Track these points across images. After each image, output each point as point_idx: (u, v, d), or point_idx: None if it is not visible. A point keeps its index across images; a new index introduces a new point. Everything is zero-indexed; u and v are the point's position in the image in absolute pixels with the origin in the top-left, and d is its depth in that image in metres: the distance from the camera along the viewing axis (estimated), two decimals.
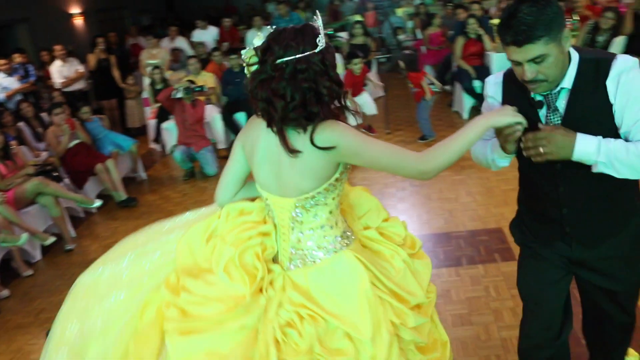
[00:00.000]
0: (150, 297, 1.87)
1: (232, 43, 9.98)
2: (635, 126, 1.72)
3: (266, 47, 1.76)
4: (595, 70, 1.75)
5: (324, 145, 1.71)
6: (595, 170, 1.75)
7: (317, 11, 1.91)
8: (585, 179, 1.84)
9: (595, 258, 1.98)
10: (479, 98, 7.44)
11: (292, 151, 1.74)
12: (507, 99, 1.91)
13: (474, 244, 4.22)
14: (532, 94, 1.82)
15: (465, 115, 7.64)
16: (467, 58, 7.47)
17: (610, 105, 1.74)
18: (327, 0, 14.96)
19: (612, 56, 1.75)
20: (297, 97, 1.71)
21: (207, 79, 7.42)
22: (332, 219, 1.88)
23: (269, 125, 1.79)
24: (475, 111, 7.60)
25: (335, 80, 1.77)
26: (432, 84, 6.71)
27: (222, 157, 7.19)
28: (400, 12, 12.14)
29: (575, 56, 1.78)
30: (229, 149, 7.51)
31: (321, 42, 1.73)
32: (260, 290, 1.83)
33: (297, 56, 1.70)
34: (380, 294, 1.82)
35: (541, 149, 1.74)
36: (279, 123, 1.75)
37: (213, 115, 7.31)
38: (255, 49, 1.81)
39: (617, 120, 1.75)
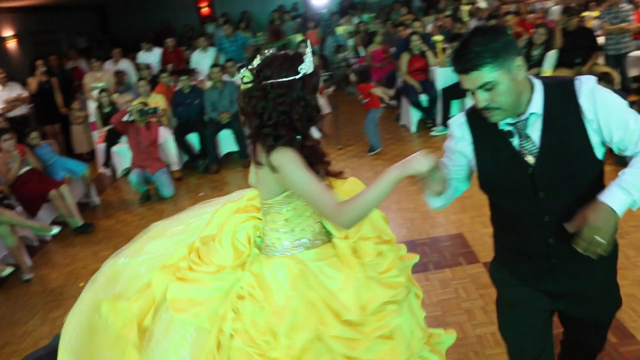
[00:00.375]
0: (178, 250, 2.27)
1: (178, 64, 9.95)
2: (627, 135, 1.74)
3: (259, 69, 1.95)
4: (561, 93, 1.78)
5: (273, 165, 1.90)
6: (636, 208, 1.72)
7: (308, 40, 2.07)
8: (569, 205, 1.80)
9: (578, 288, 1.95)
10: (426, 111, 7.75)
11: (257, 162, 1.97)
12: (476, 136, 1.91)
13: (438, 249, 4.41)
14: (500, 126, 1.83)
15: (413, 128, 7.92)
16: (413, 73, 7.77)
17: (584, 125, 1.75)
18: (267, 20, 15.16)
19: (572, 78, 1.80)
20: (272, 117, 1.91)
21: (158, 101, 7.38)
22: (287, 226, 2.07)
23: (248, 137, 2.05)
24: (423, 124, 7.91)
25: (313, 106, 1.96)
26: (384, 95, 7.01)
27: (176, 178, 7.15)
28: (340, 30, 12.46)
29: (538, 82, 1.81)
30: (182, 170, 7.49)
31: (303, 69, 1.91)
32: (243, 265, 2.14)
33: (278, 80, 1.89)
34: (314, 300, 2.02)
35: (599, 239, 1.67)
36: (253, 137, 1.98)
37: (165, 137, 7.27)
38: (251, 69, 1.98)
39: (606, 135, 1.76)
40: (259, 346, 1.97)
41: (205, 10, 16.72)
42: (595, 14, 7.98)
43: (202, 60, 9.69)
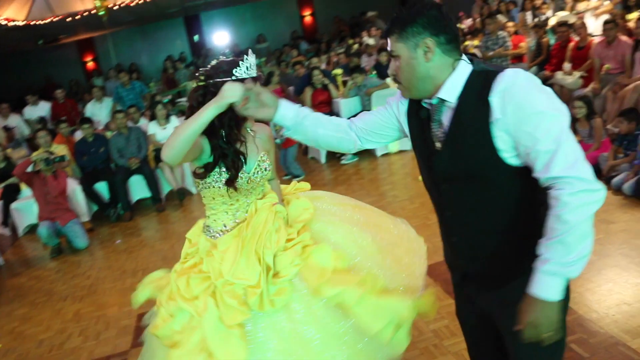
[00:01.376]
0: None
1: (75, 115, 9.59)
2: (538, 154, 1.51)
3: (208, 69, 2.13)
4: (482, 83, 1.59)
5: None
6: (575, 277, 1.54)
7: (250, 49, 2.20)
8: (471, 205, 1.70)
9: (496, 310, 1.77)
10: None
11: None
12: (410, 109, 1.86)
13: None
14: (422, 102, 1.77)
15: (323, 159, 8.14)
16: (317, 106, 8.04)
17: (489, 124, 1.57)
18: (156, 71, 15.06)
19: (502, 69, 1.60)
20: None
21: (60, 151, 7.04)
22: (206, 211, 2.25)
23: None
24: (332, 154, 8.15)
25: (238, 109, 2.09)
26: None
27: (88, 230, 6.79)
28: None
29: (465, 69, 1.65)
30: (92, 221, 7.14)
31: (237, 72, 2.05)
32: None
33: (215, 80, 2.05)
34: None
35: (543, 335, 1.58)
36: None
37: (73, 187, 6.91)
38: (204, 70, 2.15)
39: (514, 141, 1.56)
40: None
41: (90, 64, 16.28)
42: (476, 42, 8.76)
43: (97, 111, 9.43)
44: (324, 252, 2.08)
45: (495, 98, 1.54)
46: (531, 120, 1.50)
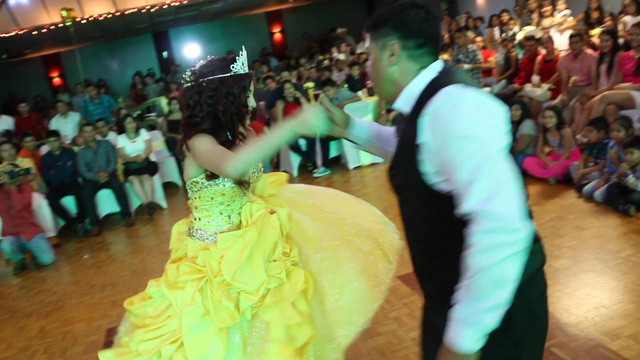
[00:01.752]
0: None
1: (42, 129, 9.36)
2: (457, 184, 1.34)
3: (198, 69, 2.10)
4: (426, 98, 1.45)
5: (189, 146, 2.02)
6: (496, 324, 1.30)
7: (243, 46, 2.18)
8: (409, 223, 1.64)
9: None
10: (305, 155, 7.98)
11: (180, 153, 2.10)
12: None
13: None
14: None
15: (295, 173, 8.08)
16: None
17: (414, 145, 1.44)
18: (123, 87, 14.89)
19: (447, 84, 1.43)
20: (202, 110, 2.04)
21: (26, 164, 6.82)
22: (197, 214, 2.17)
23: (181, 129, 2.16)
24: (303, 168, 8.11)
25: (241, 102, 2.09)
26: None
27: (54, 245, 6.57)
28: None
29: (424, 79, 1.52)
30: (59, 236, 6.93)
31: (235, 68, 2.06)
32: None
33: (211, 77, 2.04)
34: None
35: None
36: (184, 128, 2.09)
37: (39, 202, 6.69)
38: (192, 70, 2.12)
39: (441, 163, 1.39)
40: None
41: (57, 80, 15.99)
42: (445, 56, 8.86)
43: (62, 126, 9.22)
44: (299, 279, 2.10)
45: (426, 118, 1.41)
46: (453, 145, 1.33)
